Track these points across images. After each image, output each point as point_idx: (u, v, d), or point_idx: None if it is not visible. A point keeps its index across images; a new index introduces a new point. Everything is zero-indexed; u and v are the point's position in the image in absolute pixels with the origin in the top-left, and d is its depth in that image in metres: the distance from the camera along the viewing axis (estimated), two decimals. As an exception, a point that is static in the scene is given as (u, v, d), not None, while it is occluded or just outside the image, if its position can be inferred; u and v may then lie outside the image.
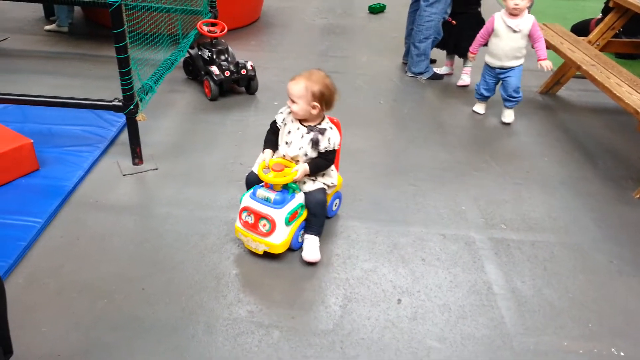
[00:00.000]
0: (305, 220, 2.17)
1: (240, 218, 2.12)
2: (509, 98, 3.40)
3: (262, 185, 2.10)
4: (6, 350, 1.45)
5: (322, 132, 2.08)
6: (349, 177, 2.77)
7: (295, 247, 2.15)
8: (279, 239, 2.06)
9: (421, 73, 4.04)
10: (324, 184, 2.19)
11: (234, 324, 1.84)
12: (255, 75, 3.54)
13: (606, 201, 2.72)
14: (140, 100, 2.59)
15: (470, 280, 2.13)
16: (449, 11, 3.85)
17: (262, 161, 2.13)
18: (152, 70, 2.92)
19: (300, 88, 2.01)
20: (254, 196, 2.08)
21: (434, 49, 4.01)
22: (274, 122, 2.20)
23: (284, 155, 2.14)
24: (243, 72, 3.47)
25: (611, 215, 2.60)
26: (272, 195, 2.04)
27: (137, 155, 2.68)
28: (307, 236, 2.16)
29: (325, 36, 5.01)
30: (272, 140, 2.20)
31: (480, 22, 3.65)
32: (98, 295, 1.91)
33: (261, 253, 2.10)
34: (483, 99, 3.56)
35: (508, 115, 3.48)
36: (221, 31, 3.53)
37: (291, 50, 4.55)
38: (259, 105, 3.52)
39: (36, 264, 2.04)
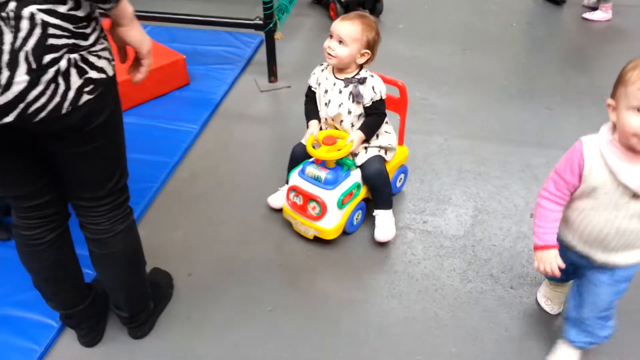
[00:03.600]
0: (368, 197, 1.93)
1: (287, 198, 1.89)
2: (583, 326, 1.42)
3: (313, 161, 1.85)
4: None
5: (361, 81, 1.78)
6: (479, 100, 2.75)
7: (349, 231, 1.90)
8: (331, 224, 1.82)
9: None
10: (380, 147, 1.88)
11: (370, 224, 1.99)
12: (380, -3, 3.52)
13: None
14: (278, 19, 2.73)
15: (609, 201, 2.08)
16: None
17: (310, 135, 1.83)
18: (285, -9, 3.04)
19: (356, 30, 1.73)
20: (302, 174, 1.83)
21: None
22: (309, 88, 1.93)
23: (326, 119, 1.87)
24: (368, -7, 3.45)
25: None
26: (323, 174, 1.79)
27: (273, 73, 2.86)
28: (376, 212, 1.89)
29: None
30: (314, 109, 1.91)
31: None
32: (248, 190, 2.16)
33: (311, 238, 1.87)
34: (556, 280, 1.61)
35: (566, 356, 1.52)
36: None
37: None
38: (384, 28, 3.50)
39: (196, 163, 2.32)
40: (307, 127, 1.90)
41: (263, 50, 3.14)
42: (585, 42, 3.28)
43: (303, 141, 1.93)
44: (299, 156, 1.93)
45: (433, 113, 2.64)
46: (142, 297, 1.55)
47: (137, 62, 1.21)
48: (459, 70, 3.01)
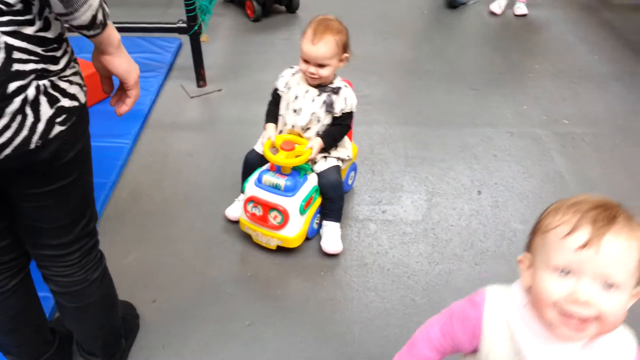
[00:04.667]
0: (321, 205, 1.87)
1: (245, 210, 1.79)
2: None
3: (268, 169, 1.78)
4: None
5: (336, 91, 1.74)
6: (408, 87, 2.83)
7: (310, 236, 1.86)
8: (294, 231, 1.75)
9: None
10: (339, 159, 1.85)
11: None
12: (295, -7, 3.49)
13: (662, 92, 2.77)
14: (202, 21, 2.61)
15: (542, 171, 2.25)
16: None
17: (268, 139, 1.76)
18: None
19: (331, 48, 1.66)
20: (259, 183, 1.75)
21: None
22: (275, 90, 1.84)
23: (292, 126, 1.79)
24: (284, -10, 3.41)
25: (669, 106, 2.67)
26: (282, 182, 1.72)
27: (201, 77, 2.74)
28: (325, 223, 1.86)
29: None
30: (275, 112, 1.84)
31: None
32: (200, 202, 2.05)
33: (274, 248, 1.80)
34: None
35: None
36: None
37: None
38: (302, 24, 3.49)
39: (135, 180, 2.16)
40: (264, 128, 1.83)
41: (184, 54, 3.02)
42: (498, 23, 3.50)
43: (256, 147, 1.87)
44: (252, 164, 1.86)
45: (368, 104, 2.68)
46: (117, 339, 1.43)
47: (121, 92, 1.08)
48: (384, 59, 3.08)
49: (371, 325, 1.62)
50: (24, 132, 0.87)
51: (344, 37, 1.70)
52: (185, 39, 2.80)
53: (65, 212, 1.06)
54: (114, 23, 0.98)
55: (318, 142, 1.74)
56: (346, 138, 1.89)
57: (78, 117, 0.97)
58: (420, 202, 2.09)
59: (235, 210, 1.94)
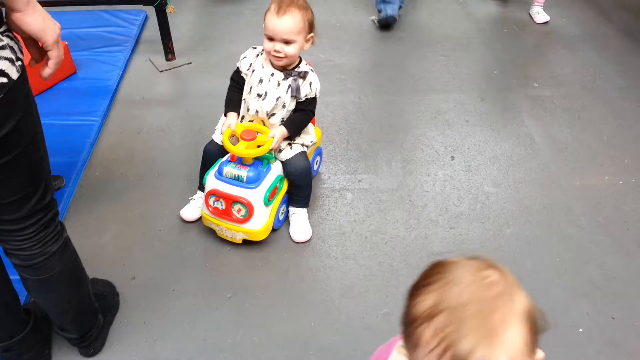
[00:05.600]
0: (287, 192, 1.80)
1: (207, 205, 1.70)
2: None
3: (228, 160, 1.68)
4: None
5: (302, 75, 1.65)
6: (379, 55, 2.82)
7: (276, 227, 1.80)
8: (260, 224, 1.69)
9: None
10: (303, 145, 1.77)
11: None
12: (262, -40, 3.39)
13: (627, 53, 2.83)
14: (166, -10, 2.52)
15: (514, 134, 2.29)
16: None
17: (227, 128, 1.65)
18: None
19: (297, 21, 1.55)
20: (220, 176, 1.66)
21: None
22: (237, 72, 1.72)
23: (256, 112, 1.68)
24: (251, -43, 3.31)
25: (633, 66, 2.73)
26: (243, 173, 1.63)
27: (169, 51, 2.67)
28: (292, 210, 1.81)
29: None
30: (236, 99, 1.72)
31: None
32: (176, 177, 2.03)
33: (239, 242, 1.74)
34: None
35: None
36: None
37: None
38: (272, -7, 3.42)
39: (107, 157, 2.12)
40: (225, 116, 1.72)
41: (150, 27, 2.94)
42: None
43: (214, 137, 1.78)
44: (211, 155, 1.76)
45: (341, 73, 2.66)
46: (90, 314, 1.42)
47: (43, 54, 0.99)
48: (356, 28, 3.05)
49: (351, 292, 1.65)
50: None
51: (310, 14, 1.60)
52: (150, 10, 2.72)
53: (10, 189, 1.04)
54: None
55: (280, 131, 1.65)
56: (309, 124, 1.80)
57: (8, 93, 0.92)
58: (396, 169, 2.11)
59: (190, 211, 1.84)
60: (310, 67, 1.71)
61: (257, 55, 1.71)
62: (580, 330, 1.55)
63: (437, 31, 3.02)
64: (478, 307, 0.60)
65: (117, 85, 2.49)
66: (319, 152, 2.02)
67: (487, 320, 0.59)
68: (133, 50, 2.77)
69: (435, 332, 0.60)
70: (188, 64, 2.70)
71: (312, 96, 1.69)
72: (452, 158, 2.16)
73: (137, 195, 1.96)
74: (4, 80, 0.90)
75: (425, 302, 0.63)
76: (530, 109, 2.43)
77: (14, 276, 1.25)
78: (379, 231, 1.85)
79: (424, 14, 3.20)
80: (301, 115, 1.70)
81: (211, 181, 1.68)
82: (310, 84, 1.67)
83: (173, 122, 2.33)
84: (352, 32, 2.99)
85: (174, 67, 2.67)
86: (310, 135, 1.82)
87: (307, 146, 1.80)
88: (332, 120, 2.34)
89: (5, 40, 0.91)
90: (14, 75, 0.92)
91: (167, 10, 2.53)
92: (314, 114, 1.75)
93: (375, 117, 2.37)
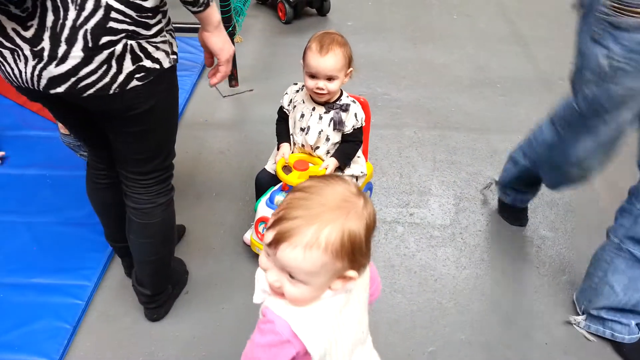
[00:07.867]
0: None
1: (257, 231, 1.73)
2: None
3: (280, 189, 1.72)
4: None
5: (344, 108, 1.69)
6: (438, 91, 2.84)
7: None
8: None
9: None
10: (353, 175, 1.80)
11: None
12: (327, -4, 3.53)
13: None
14: (236, 22, 2.67)
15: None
16: None
17: (281, 157, 1.72)
18: (236, -7, 2.97)
19: (339, 59, 1.58)
20: (271, 204, 1.69)
21: None
22: (281, 108, 1.80)
23: (302, 145, 1.74)
24: (316, -7, 3.45)
25: None
26: None
27: (233, 77, 2.80)
28: None
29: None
30: (286, 130, 1.78)
31: None
32: (233, 199, 2.10)
33: None
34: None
35: None
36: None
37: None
38: (333, 27, 3.53)
39: (169, 176, 2.23)
40: (278, 148, 1.78)
41: (217, 54, 3.08)
42: (526, 28, 3.48)
43: (267, 167, 1.83)
44: (263, 184, 1.81)
45: (398, 107, 2.70)
46: (165, 277, 1.60)
47: (216, 67, 1.32)
48: (414, 64, 3.09)
49: (398, 326, 1.64)
50: (106, 79, 1.07)
51: (349, 50, 1.64)
52: (219, 39, 2.87)
53: (141, 150, 1.30)
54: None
55: (333, 162, 1.69)
56: (359, 153, 1.82)
57: (157, 78, 1.14)
58: (448, 206, 2.10)
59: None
60: (352, 99, 1.74)
61: (297, 91, 1.76)
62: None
63: (495, 72, 3.02)
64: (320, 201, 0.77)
65: (183, 108, 2.63)
66: (369, 187, 2.02)
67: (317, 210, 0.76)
68: (199, 76, 2.92)
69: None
70: (250, 90, 2.82)
71: (358, 126, 1.72)
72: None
73: (195, 213, 2.04)
74: (157, 66, 1.14)
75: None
76: (591, 155, 2.37)
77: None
78: (428, 267, 1.84)
79: (485, 53, 3.21)
80: (350, 145, 1.74)
81: (262, 209, 1.71)
82: (356, 114, 1.70)
83: (232, 146, 2.42)
84: (410, 68, 3.04)
85: (237, 93, 2.79)
86: (360, 165, 1.83)
87: (356, 177, 1.82)
88: (386, 153, 2.37)
89: (167, 37, 1.16)
90: (166, 65, 1.17)
91: (235, 40, 2.67)
92: (362, 142, 1.78)
93: (428, 152, 2.38)
